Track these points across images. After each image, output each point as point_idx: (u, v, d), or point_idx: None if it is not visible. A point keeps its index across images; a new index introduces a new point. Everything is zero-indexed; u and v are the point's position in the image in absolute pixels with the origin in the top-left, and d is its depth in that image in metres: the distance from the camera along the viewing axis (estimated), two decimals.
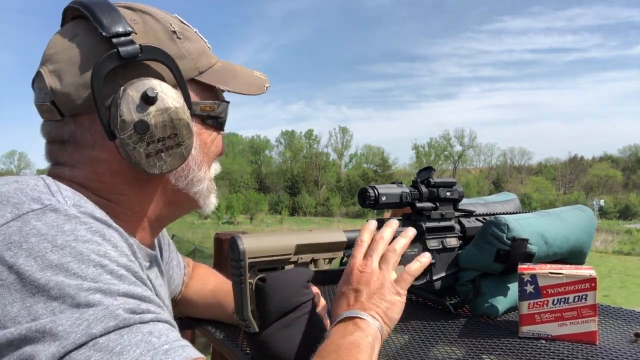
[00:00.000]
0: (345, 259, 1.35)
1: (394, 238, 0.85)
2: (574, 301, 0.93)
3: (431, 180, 1.03)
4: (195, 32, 0.76)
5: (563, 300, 0.94)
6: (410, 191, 0.99)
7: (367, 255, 0.82)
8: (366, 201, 0.94)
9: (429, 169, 1.05)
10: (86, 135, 0.68)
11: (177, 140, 0.68)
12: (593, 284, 0.92)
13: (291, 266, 0.82)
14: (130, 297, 0.55)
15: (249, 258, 0.76)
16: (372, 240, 0.84)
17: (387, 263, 0.81)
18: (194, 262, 1.19)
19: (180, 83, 0.69)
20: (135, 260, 0.62)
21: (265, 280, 0.77)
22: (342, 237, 0.88)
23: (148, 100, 0.64)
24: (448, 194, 1.04)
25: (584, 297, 0.92)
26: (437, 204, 1.03)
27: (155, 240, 0.97)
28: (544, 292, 0.95)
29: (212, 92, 0.75)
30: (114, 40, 0.64)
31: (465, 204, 1.19)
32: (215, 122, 0.76)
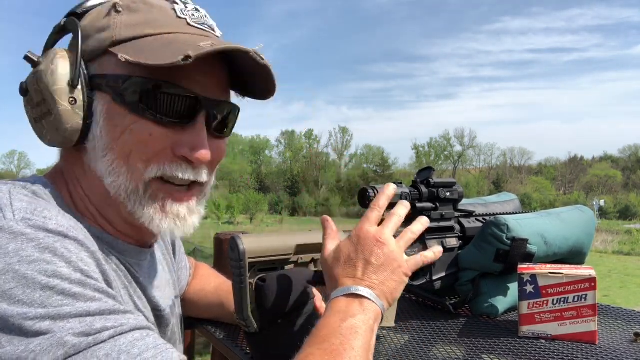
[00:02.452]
0: None
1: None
2: (573, 301, 0.93)
3: (431, 180, 1.03)
4: (173, 8, 0.70)
5: (563, 300, 0.94)
6: (410, 191, 0.99)
7: (383, 224, 0.76)
8: (366, 201, 0.94)
9: (428, 169, 1.05)
10: None
11: (47, 107, 0.65)
12: (593, 284, 0.92)
13: (291, 266, 0.82)
14: (86, 316, 0.51)
15: (249, 258, 0.76)
16: (389, 213, 0.78)
17: (404, 240, 0.76)
18: (195, 261, 1.20)
19: (75, 51, 0.67)
20: (98, 269, 0.58)
21: (265, 280, 0.77)
22: (342, 237, 0.88)
23: (30, 62, 0.67)
24: (448, 194, 1.04)
25: (583, 297, 0.93)
26: (437, 204, 1.03)
27: (168, 239, 0.97)
28: (544, 292, 0.95)
29: (126, 66, 0.64)
30: (66, 17, 0.71)
31: (465, 204, 1.19)
32: (123, 99, 0.65)
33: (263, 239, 0.79)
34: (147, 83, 0.65)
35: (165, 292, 0.85)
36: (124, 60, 0.62)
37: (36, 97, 0.65)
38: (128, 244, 0.73)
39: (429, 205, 1.02)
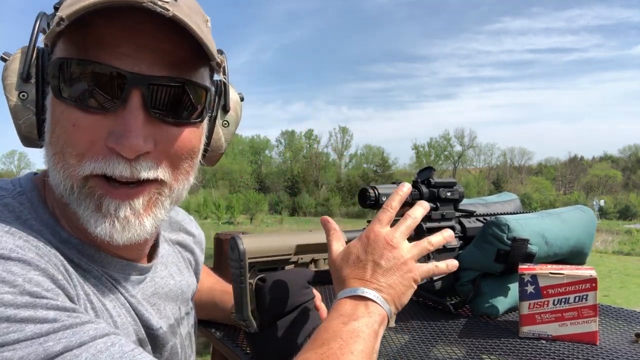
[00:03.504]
0: None
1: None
2: (574, 301, 0.93)
3: (431, 180, 1.03)
4: None
5: (563, 300, 0.94)
6: (411, 191, 0.99)
7: (395, 226, 0.74)
8: (366, 201, 0.94)
9: (429, 169, 1.05)
10: None
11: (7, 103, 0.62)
12: (593, 284, 0.92)
13: (291, 266, 0.82)
14: (38, 338, 0.47)
15: (249, 258, 0.75)
16: (404, 216, 0.76)
17: (418, 247, 0.73)
18: None
19: (33, 36, 0.62)
20: (54, 285, 0.53)
21: (265, 280, 0.77)
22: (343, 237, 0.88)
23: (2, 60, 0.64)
24: (448, 194, 1.04)
25: (584, 297, 0.92)
26: (438, 204, 1.03)
27: (181, 256, 0.90)
28: (545, 292, 0.95)
29: (61, 50, 0.58)
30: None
31: (465, 204, 1.19)
32: (48, 86, 0.59)
33: (263, 239, 0.79)
34: (62, 63, 0.57)
35: (165, 311, 0.78)
36: (56, 25, 0.54)
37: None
38: (112, 256, 0.67)
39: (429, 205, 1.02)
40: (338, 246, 0.74)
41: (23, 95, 0.60)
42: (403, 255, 0.71)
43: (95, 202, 0.59)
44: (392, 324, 0.69)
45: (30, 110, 0.61)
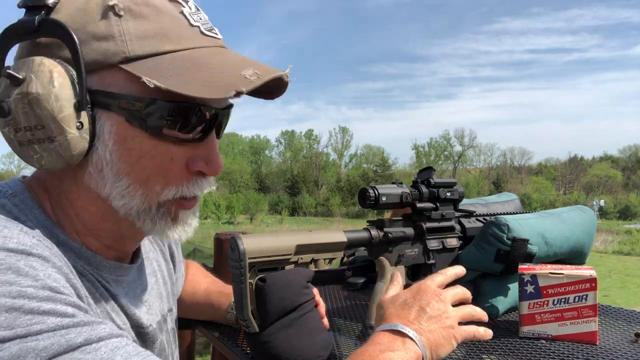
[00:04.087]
0: (345, 258, 1.35)
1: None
2: (574, 301, 0.93)
3: (431, 180, 1.03)
4: (181, 11, 0.63)
5: (563, 300, 0.94)
6: (411, 191, 0.99)
7: (446, 288, 0.80)
8: (366, 201, 0.94)
9: (429, 169, 1.05)
10: None
11: (47, 134, 0.57)
12: (593, 284, 0.92)
13: (291, 266, 0.82)
14: (59, 329, 0.49)
15: (249, 258, 0.75)
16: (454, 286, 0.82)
17: (462, 311, 0.78)
18: (185, 260, 1.18)
19: (76, 65, 0.57)
20: (68, 284, 0.55)
21: (265, 280, 0.77)
22: (342, 237, 0.88)
23: (12, 80, 0.56)
24: (448, 194, 1.04)
25: (584, 297, 0.92)
26: (438, 204, 1.03)
27: (158, 248, 0.91)
28: (544, 292, 0.95)
29: (144, 86, 0.58)
30: (25, 12, 0.59)
31: (465, 204, 1.19)
32: (144, 124, 0.60)
33: (263, 239, 0.79)
34: (175, 107, 0.60)
35: (153, 308, 0.79)
36: (162, 88, 0.56)
37: (27, 121, 0.57)
38: (107, 259, 0.69)
39: (429, 205, 1.02)
40: (392, 292, 0.82)
41: (79, 126, 0.58)
42: (448, 310, 0.75)
43: (172, 216, 0.66)
44: None
45: (85, 140, 0.59)
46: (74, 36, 0.57)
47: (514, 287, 1.09)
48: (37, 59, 0.57)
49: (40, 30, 0.58)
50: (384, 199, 0.94)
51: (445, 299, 0.76)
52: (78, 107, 0.58)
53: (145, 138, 0.60)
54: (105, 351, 0.50)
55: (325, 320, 0.90)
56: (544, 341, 0.95)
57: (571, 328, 0.94)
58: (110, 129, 0.60)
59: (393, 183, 0.99)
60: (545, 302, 0.95)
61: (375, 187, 0.94)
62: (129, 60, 0.59)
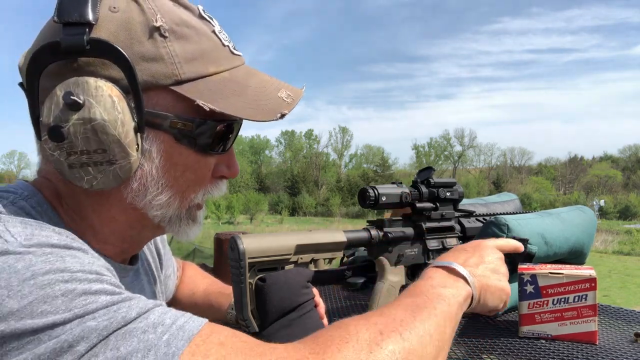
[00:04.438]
0: (345, 258, 1.35)
1: None
2: (574, 301, 0.93)
3: (431, 180, 1.03)
4: (213, 30, 0.65)
5: (563, 300, 0.94)
6: (410, 191, 0.99)
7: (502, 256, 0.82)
8: (366, 201, 0.94)
9: (429, 169, 1.05)
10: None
11: (107, 157, 0.58)
12: (593, 284, 0.92)
13: (291, 266, 0.82)
14: (112, 305, 0.50)
15: (248, 258, 0.76)
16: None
17: (507, 276, 0.81)
18: (182, 261, 1.17)
19: (134, 90, 0.58)
20: (106, 270, 0.57)
21: (265, 280, 0.77)
22: (342, 237, 0.88)
23: (71, 105, 0.55)
24: (448, 194, 1.04)
25: (584, 297, 0.93)
26: (437, 204, 1.03)
27: (147, 249, 0.92)
28: (544, 292, 0.95)
29: (194, 107, 0.61)
30: (64, 28, 0.56)
31: (465, 204, 1.19)
32: (193, 143, 0.63)
33: (263, 238, 0.79)
34: (221, 126, 0.65)
35: None
36: (216, 111, 0.60)
37: (86, 145, 0.57)
38: (114, 261, 0.70)
39: (429, 205, 1.02)
40: None
41: (137, 148, 0.60)
42: (505, 272, 0.79)
43: (192, 218, 0.70)
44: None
45: (139, 159, 0.60)
46: (130, 61, 0.57)
47: (514, 287, 1.09)
48: (91, 81, 0.56)
49: (88, 51, 0.56)
50: (383, 199, 0.94)
51: (503, 262, 0.79)
52: (137, 130, 0.59)
53: (191, 154, 0.64)
54: (154, 317, 0.51)
55: (325, 321, 0.90)
56: (543, 341, 0.95)
57: (571, 328, 0.94)
58: (159, 147, 0.62)
59: (393, 183, 0.99)
60: (545, 302, 0.95)
61: (375, 187, 0.94)
62: (180, 82, 0.60)
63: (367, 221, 1.00)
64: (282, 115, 0.64)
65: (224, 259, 1.85)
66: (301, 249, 0.82)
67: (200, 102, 0.60)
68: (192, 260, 1.93)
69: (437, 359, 0.59)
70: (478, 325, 1.06)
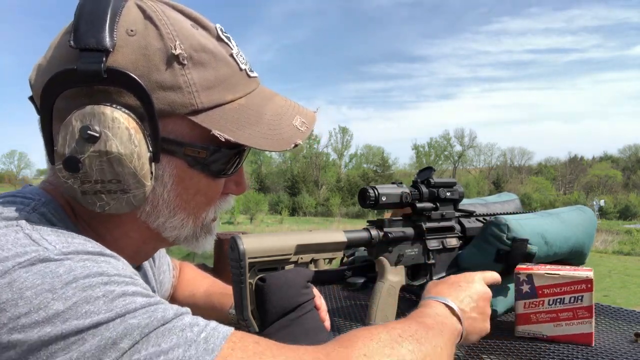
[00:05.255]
0: (345, 258, 1.35)
1: None
2: (569, 302, 0.93)
3: (431, 180, 1.03)
4: (231, 54, 0.65)
5: (559, 300, 0.94)
6: (411, 191, 0.99)
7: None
8: (366, 201, 0.94)
9: (429, 169, 1.05)
10: None
11: (121, 187, 0.58)
12: (589, 285, 0.92)
13: (291, 266, 0.82)
14: (149, 306, 0.52)
15: (249, 258, 0.76)
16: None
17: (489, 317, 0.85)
18: (180, 261, 1.17)
19: (150, 120, 0.58)
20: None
21: (265, 280, 0.78)
22: (342, 237, 0.88)
23: (86, 138, 0.55)
24: (448, 194, 1.04)
25: (579, 298, 0.92)
26: (438, 204, 1.03)
27: None
28: (540, 292, 0.95)
29: (209, 135, 0.61)
30: (82, 54, 0.55)
31: (465, 204, 1.19)
32: (206, 169, 0.64)
33: (263, 238, 0.79)
34: (234, 152, 0.66)
35: None
36: (231, 141, 0.61)
37: (101, 175, 0.57)
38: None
39: (429, 205, 1.02)
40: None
41: (151, 177, 0.60)
42: (488, 312, 0.83)
43: (208, 230, 0.72)
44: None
45: (152, 185, 0.61)
46: (148, 91, 0.57)
47: (513, 288, 1.09)
48: (108, 112, 0.56)
49: (105, 79, 0.56)
50: (384, 199, 0.94)
51: (488, 302, 0.84)
52: (152, 160, 0.59)
53: (202, 178, 0.65)
54: (189, 319, 0.54)
55: (327, 323, 0.90)
56: (543, 341, 0.95)
57: (566, 329, 0.94)
58: (171, 172, 0.63)
59: (393, 183, 1.00)
60: (541, 302, 0.95)
61: (375, 187, 0.95)
62: (197, 112, 0.61)
63: (367, 221, 1.00)
64: (296, 145, 0.66)
65: (224, 259, 1.85)
66: (301, 249, 0.82)
67: (216, 133, 0.60)
68: (191, 260, 1.93)
69: None
70: None
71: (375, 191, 0.94)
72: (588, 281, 0.92)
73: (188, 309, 0.57)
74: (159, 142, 0.59)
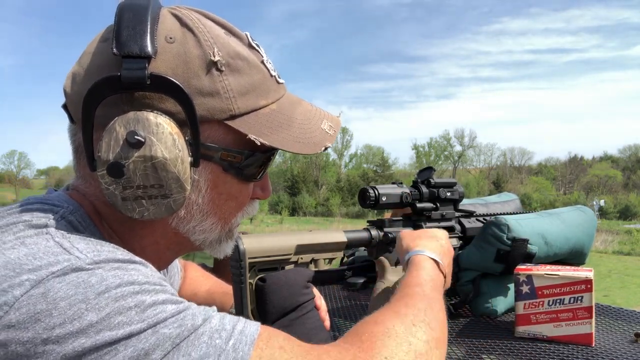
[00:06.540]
0: (345, 258, 1.35)
1: None
2: (569, 302, 0.93)
3: (431, 180, 1.03)
4: (262, 61, 0.66)
5: (558, 301, 0.94)
6: (411, 191, 0.99)
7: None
8: (366, 201, 0.94)
9: (429, 169, 1.05)
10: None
11: (162, 192, 0.59)
12: (589, 286, 0.92)
13: (291, 266, 0.83)
14: (178, 314, 0.53)
15: (249, 258, 0.76)
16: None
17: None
18: (184, 261, 1.17)
19: (192, 126, 0.58)
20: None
21: (265, 280, 0.78)
22: (342, 237, 0.89)
23: (132, 143, 0.56)
24: (448, 194, 1.04)
25: (579, 298, 0.92)
26: (438, 204, 1.04)
27: None
28: (540, 292, 0.95)
29: (244, 139, 0.62)
30: (124, 61, 0.56)
31: (465, 204, 1.19)
32: (240, 173, 0.65)
33: (263, 239, 0.79)
34: (267, 157, 0.67)
35: None
36: (266, 145, 0.62)
37: (144, 181, 0.58)
38: None
39: (429, 205, 1.02)
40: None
41: (191, 182, 0.61)
42: (452, 250, 0.92)
43: (231, 235, 0.72)
44: None
45: (190, 191, 0.62)
46: (190, 96, 0.57)
47: (513, 287, 1.09)
48: (151, 117, 0.56)
49: (148, 86, 0.56)
50: (384, 199, 0.94)
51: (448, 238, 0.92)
52: (193, 165, 0.60)
53: (235, 183, 0.66)
54: (216, 323, 0.54)
55: (327, 323, 0.90)
56: (542, 341, 0.95)
57: (566, 329, 0.94)
58: (206, 177, 0.64)
59: (393, 183, 1.00)
60: (541, 303, 0.95)
61: (375, 187, 0.95)
62: (234, 117, 0.62)
63: (367, 221, 1.00)
64: (326, 148, 0.68)
65: (224, 258, 1.85)
66: (301, 249, 0.82)
67: (252, 137, 0.61)
68: (192, 260, 1.92)
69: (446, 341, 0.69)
70: (478, 325, 1.06)
71: (376, 191, 0.94)
72: (588, 281, 0.92)
73: (214, 308, 0.57)
74: (199, 147, 0.60)
